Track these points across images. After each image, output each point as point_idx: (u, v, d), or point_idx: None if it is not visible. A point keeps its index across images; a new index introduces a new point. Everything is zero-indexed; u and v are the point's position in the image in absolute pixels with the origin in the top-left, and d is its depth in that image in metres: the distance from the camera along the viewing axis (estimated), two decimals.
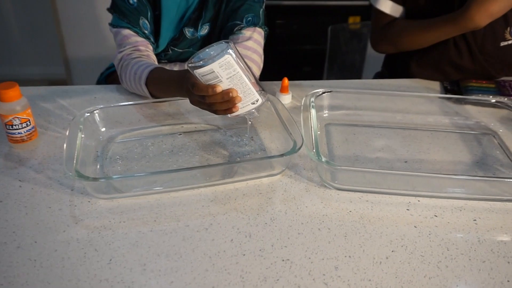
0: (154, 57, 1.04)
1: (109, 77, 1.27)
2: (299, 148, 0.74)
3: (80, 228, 0.67)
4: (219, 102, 0.73)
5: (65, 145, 0.75)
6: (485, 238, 0.66)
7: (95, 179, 0.71)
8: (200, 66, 0.69)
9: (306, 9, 2.29)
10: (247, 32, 1.05)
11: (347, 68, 1.93)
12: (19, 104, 0.83)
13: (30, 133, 0.86)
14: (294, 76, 1.09)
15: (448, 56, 1.13)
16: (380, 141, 0.89)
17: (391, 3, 1.13)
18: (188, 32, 1.08)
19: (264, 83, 0.88)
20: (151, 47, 1.05)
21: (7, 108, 0.82)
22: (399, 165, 0.82)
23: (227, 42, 0.70)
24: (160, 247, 0.64)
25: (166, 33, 1.08)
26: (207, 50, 0.72)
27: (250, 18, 1.05)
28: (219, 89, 0.71)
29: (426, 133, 0.92)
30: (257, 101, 0.75)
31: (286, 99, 1.02)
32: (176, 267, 0.61)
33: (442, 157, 0.85)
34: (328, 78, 1.88)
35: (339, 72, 1.90)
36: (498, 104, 0.96)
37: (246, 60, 0.73)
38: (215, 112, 0.76)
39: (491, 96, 1.03)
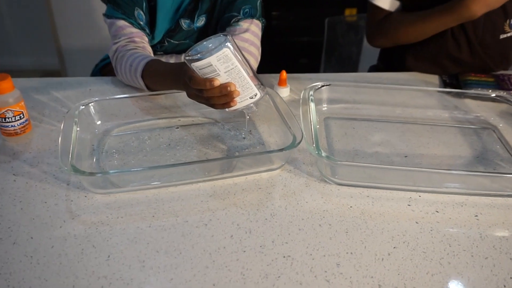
0: (149, 49, 1.03)
1: (104, 68, 1.25)
2: (299, 143, 0.73)
3: (77, 224, 0.66)
4: (217, 96, 0.72)
5: (60, 139, 0.74)
6: (487, 234, 0.65)
7: (91, 174, 0.70)
8: (198, 59, 0.68)
9: (302, 1, 2.27)
10: (244, 24, 1.04)
11: (344, 61, 1.92)
12: (12, 97, 0.81)
13: (24, 126, 0.84)
14: (291, 68, 1.08)
15: (446, 49, 1.12)
16: (380, 135, 0.89)
17: None
18: (184, 23, 1.07)
19: (261, 75, 0.86)
20: (146, 39, 1.03)
21: (0, 100, 0.80)
22: (399, 160, 0.81)
23: (225, 35, 0.69)
24: (159, 243, 0.63)
25: (162, 25, 1.06)
26: (204, 43, 0.70)
27: (247, 9, 1.03)
28: (217, 83, 0.70)
29: (426, 127, 0.92)
30: (255, 95, 0.73)
31: (284, 92, 1.01)
32: (175, 263, 0.60)
33: (442, 151, 0.84)
34: (325, 71, 1.87)
35: (336, 65, 1.89)
36: (498, 98, 0.96)
37: (243, 52, 0.71)
38: (213, 106, 0.75)
39: (490, 90, 1.02)
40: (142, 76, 0.92)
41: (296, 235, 0.64)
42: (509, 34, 1.10)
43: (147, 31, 1.04)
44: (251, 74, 0.72)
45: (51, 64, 2.52)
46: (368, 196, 0.72)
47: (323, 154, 0.71)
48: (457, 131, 0.91)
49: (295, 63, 2.42)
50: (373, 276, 0.58)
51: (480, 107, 0.98)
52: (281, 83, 1.01)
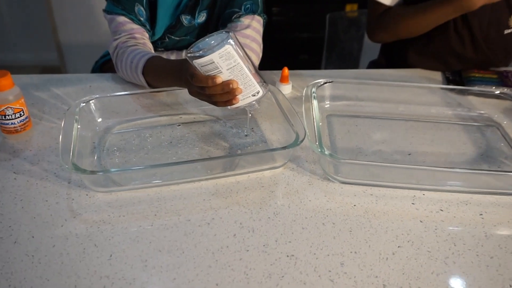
0: (150, 45, 1.02)
1: (104, 65, 1.24)
2: (302, 141, 0.73)
3: (78, 223, 0.65)
4: (219, 94, 0.71)
5: (60, 137, 0.73)
6: (492, 233, 0.65)
7: (92, 172, 0.69)
8: (200, 56, 0.67)
9: None
10: (245, 20, 1.03)
11: (345, 57, 1.91)
12: (12, 94, 0.81)
13: (24, 124, 0.84)
14: (291, 64, 1.07)
15: (449, 45, 1.11)
16: (383, 133, 0.88)
17: None
18: (185, 19, 1.06)
19: (262, 72, 0.86)
20: (147, 35, 1.02)
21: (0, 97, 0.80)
22: (403, 158, 0.81)
23: (227, 32, 0.68)
24: (161, 243, 0.62)
25: (163, 21, 1.05)
26: (206, 39, 0.69)
27: (248, 5, 1.02)
28: (219, 80, 0.69)
29: (429, 125, 0.91)
30: (258, 93, 0.73)
31: (286, 89, 1.00)
32: (178, 263, 0.59)
33: (446, 149, 0.84)
34: (326, 67, 1.86)
35: (337, 61, 1.88)
36: (502, 95, 0.95)
37: (244, 49, 0.71)
38: (215, 103, 0.74)
39: (494, 87, 1.01)
40: (143, 73, 0.91)
41: (300, 234, 0.64)
42: None
43: (148, 27, 1.03)
44: (253, 71, 0.71)
45: (51, 60, 2.51)
46: (371, 195, 0.71)
47: (326, 152, 0.71)
48: (460, 129, 0.90)
49: (295, 59, 2.41)
50: (378, 275, 0.58)
51: (484, 104, 0.97)
52: (283, 80, 1.00)
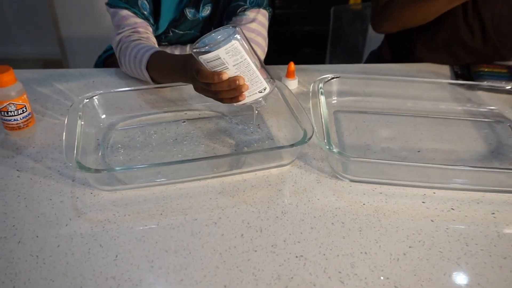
0: (154, 40, 1.00)
1: (107, 60, 1.22)
2: (310, 138, 0.71)
3: (83, 222, 0.64)
4: (225, 90, 0.69)
5: (64, 134, 0.72)
6: (505, 233, 0.64)
7: (97, 170, 0.68)
8: (205, 52, 0.65)
9: None
10: (251, 14, 1.01)
11: (350, 50, 1.89)
12: (14, 90, 0.79)
13: (27, 120, 0.82)
14: (294, 58, 1.06)
15: (458, 37, 1.09)
16: (391, 129, 0.86)
17: None
18: (189, 13, 1.04)
19: (268, 67, 0.84)
20: (150, 29, 1.00)
21: (1, 93, 0.78)
22: (412, 155, 0.79)
23: (234, 27, 0.66)
24: (168, 243, 0.61)
25: (166, 14, 1.03)
26: (212, 34, 0.67)
27: None
28: (225, 76, 0.67)
29: (438, 121, 0.90)
30: (264, 89, 0.71)
31: (292, 84, 0.99)
32: (185, 264, 0.58)
33: (456, 146, 0.82)
34: (331, 60, 1.84)
35: (342, 54, 1.86)
36: None
37: (251, 43, 0.69)
38: (221, 100, 0.73)
39: (504, 82, 1.00)
40: (147, 68, 0.90)
41: (309, 234, 0.62)
42: None
43: (151, 21, 1.01)
44: (260, 67, 0.70)
45: (52, 53, 2.49)
46: (381, 193, 0.70)
47: (335, 149, 0.69)
48: (470, 125, 0.89)
49: (298, 53, 2.39)
50: (389, 277, 0.56)
51: (494, 100, 0.96)
52: (289, 75, 0.98)
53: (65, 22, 2.33)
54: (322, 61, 2.10)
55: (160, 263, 0.58)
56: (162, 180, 0.71)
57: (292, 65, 0.98)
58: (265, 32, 1.03)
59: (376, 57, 1.32)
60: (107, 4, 0.99)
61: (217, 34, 0.67)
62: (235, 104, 0.72)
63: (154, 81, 0.92)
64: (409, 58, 1.18)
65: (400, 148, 0.81)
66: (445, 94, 0.96)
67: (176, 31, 1.06)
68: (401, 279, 0.56)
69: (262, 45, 1.01)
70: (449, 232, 0.63)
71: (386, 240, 0.62)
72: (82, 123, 0.76)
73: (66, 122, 0.75)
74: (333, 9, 1.74)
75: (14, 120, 0.80)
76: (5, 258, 0.59)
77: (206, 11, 1.05)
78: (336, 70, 1.07)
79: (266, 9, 1.04)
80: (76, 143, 0.70)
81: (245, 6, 1.01)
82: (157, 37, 1.05)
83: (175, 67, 0.83)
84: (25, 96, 0.81)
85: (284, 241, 0.61)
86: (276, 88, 0.85)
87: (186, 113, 0.89)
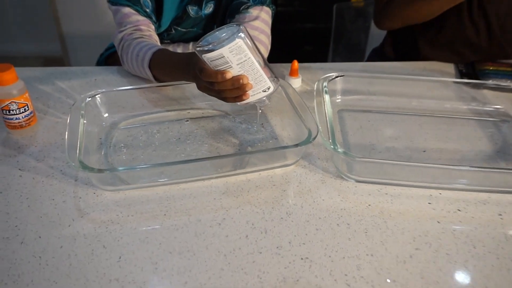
0: (156, 37, 0.99)
1: (109, 58, 1.21)
2: (315, 138, 0.71)
3: (86, 222, 0.63)
4: (228, 89, 0.69)
5: (66, 133, 0.71)
6: None
7: (100, 170, 0.67)
8: (209, 51, 0.65)
9: None
10: (254, 11, 1.00)
11: (352, 48, 1.88)
12: (16, 88, 0.79)
13: (29, 119, 0.82)
14: (296, 55, 1.05)
15: (463, 34, 1.08)
16: (396, 129, 0.86)
17: None
18: (191, 10, 1.03)
19: (270, 65, 0.83)
20: (153, 27, 0.99)
21: (3, 92, 0.78)
22: (417, 155, 0.78)
23: (238, 25, 0.66)
24: (172, 244, 0.60)
25: (169, 12, 1.02)
26: (216, 33, 0.66)
27: None
28: (229, 75, 0.67)
29: (443, 120, 0.89)
30: (268, 88, 0.70)
31: (296, 83, 0.98)
32: (189, 265, 0.57)
33: (462, 146, 0.81)
34: (333, 58, 1.84)
35: (344, 52, 1.85)
36: None
37: (255, 42, 0.68)
38: (224, 99, 0.72)
39: (509, 81, 0.99)
40: (150, 67, 0.89)
41: (314, 236, 0.62)
42: None
43: (154, 18, 1.00)
44: (264, 65, 0.69)
45: (53, 51, 2.47)
46: (386, 194, 0.69)
47: (340, 149, 0.69)
48: (476, 124, 0.88)
49: (299, 50, 2.38)
50: (396, 280, 0.56)
51: (499, 99, 0.95)
52: (292, 73, 0.97)
53: (66, 19, 2.32)
54: (323, 59, 2.09)
55: (164, 265, 0.57)
56: (165, 180, 0.70)
57: (295, 63, 0.97)
58: (268, 30, 1.02)
59: (379, 55, 1.31)
60: (109, 1, 0.98)
61: (221, 33, 0.66)
62: (238, 103, 0.72)
63: (157, 79, 0.91)
64: (412, 55, 1.17)
65: (405, 147, 0.80)
66: (450, 93, 0.95)
67: (179, 28, 1.06)
68: (408, 282, 0.55)
69: (265, 43, 1.01)
70: (456, 234, 0.63)
71: (392, 241, 0.61)
72: (85, 121, 0.76)
73: (68, 121, 0.74)
74: (336, 6, 1.73)
75: (16, 118, 0.80)
76: (8, 259, 0.58)
77: (208, 8, 1.04)
78: (340, 69, 1.06)
79: (269, 7, 1.03)
80: (78, 142, 0.69)
81: (248, 4, 1.00)
82: (159, 35, 1.04)
83: (178, 65, 0.82)
84: (27, 94, 0.80)
85: (289, 242, 0.61)
86: (280, 87, 0.85)
87: (189, 112, 0.88)
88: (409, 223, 0.64)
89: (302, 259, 0.58)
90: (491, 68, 1.05)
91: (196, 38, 1.08)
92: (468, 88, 0.97)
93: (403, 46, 1.22)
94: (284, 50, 1.82)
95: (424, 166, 0.70)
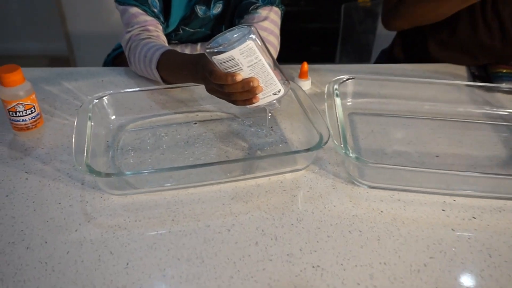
0: (164, 38, 0.98)
1: (117, 58, 1.20)
2: (326, 142, 0.69)
3: (93, 227, 0.62)
4: (238, 92, 0.67)
5: (74, 136, 0.70)
6: None
7: (107, 175, 0.66)
8: (219, 52, 0.63)
9: None
10: (263, 12, 0.99)
11: (360, 48, 1.86)
12: (23, 89, 0.78)
13: (35, 120, 0.81)
14: (303, 56, 1.04)
15: (476, 35, 1.06)
16: (408, 133, 0.84)
17: None
18: (200, 10, 1.02)
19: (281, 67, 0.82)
20: (160, 27, 0.98)
21: (10, 93, 0.77)
22: (430, 160, 0.77)
23: (249, 26, 0.64)
24: (180, 250, 0.59)
25: (177, 12, 1.01)
26: (227, 34, 0.65)
27: None
28: (239, 77, 0.65)
29: (457, 124, 0.87)
30: (279, 91, 0.69)
31: (306, 85, 0.97)
32: (198, 273, 0.56)
33: (476, 151, 0.80)
34: (341, 59, 1.82)
35: (352, 53, 1.83)
36: None
37: (265, 43, 0.67)
38: (234, 102, 0.71)
39: None
40: (158, 68, 0.88)
41: (325, 243, 0.60)
42: None
43: (161, 19, 0.99)
44: (274, 67, 0.67)
45: (59, 50, 2.47)
46: (399, 200, 0.68)
47: (352, 154, 0.67)
48: (490, 128, 0.86)
49: (306, 51, 2.36)
50: None
51: None
52: (302, 75, 0.96)
53: (72, 18, 2.31)
54: (331, 60, 2.07)
55: (172, 272, 0.56)
56: (174, 184, 0.69)
57: (305, 65, 0.95)
58: (277, 31, 1.01)
59: (387, 56, 1.29)
60: (116, 1, 0.97)
61: (232, 34, 0.65)
62: (248, 106, 0.70)
63: (165, 81, 0.90)
64: (422, 57, 1.15)
65: (417, 152, 0.79)
66: (463, 96, 0.94)
67: (187, 29, 1.04)
68: None
69: (274, 44, 0.99)
70: (471, 242, 0.61)
71: (406, 250, 0.60)
72: (92, 124, 0.74)
73: (75, 123, 0.73)
74: (344, 6, 1.72)
75: (23, 120, 0.79)
76: (13, 264, 0.57)
77: (217, 8, 1.03)
78: (349, 70, 1.05)
79: (278, 7, 1.02)
80: (86, 145, 0.68)
81: (258, 4, 0.99)
82: (167, 35, 1.03)
83: (187, 67, 0.81)
84: (33, 96, 0.79)
85: (300, 250, 0.59)
86: (290, 89, 0.83)
87: (197, 115, 0.87)
88: (423, 230, 0.63)
89: (313, 267, 0.57)
90: (504, 71, 1.03)
91: (204, 39, 1.07)
92: (481, 92, 0.95)
93: (413, 47, 1.20)
94: (291, 50, 1.80)
95: (438, 172, 0.69)
